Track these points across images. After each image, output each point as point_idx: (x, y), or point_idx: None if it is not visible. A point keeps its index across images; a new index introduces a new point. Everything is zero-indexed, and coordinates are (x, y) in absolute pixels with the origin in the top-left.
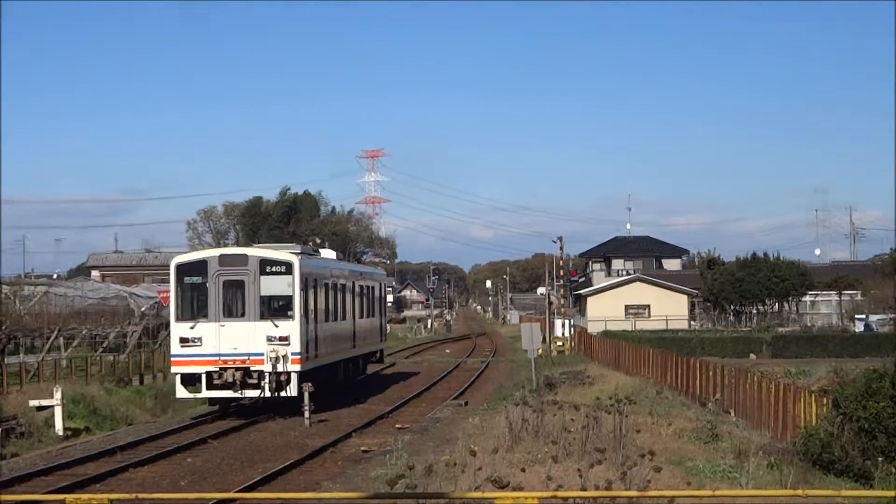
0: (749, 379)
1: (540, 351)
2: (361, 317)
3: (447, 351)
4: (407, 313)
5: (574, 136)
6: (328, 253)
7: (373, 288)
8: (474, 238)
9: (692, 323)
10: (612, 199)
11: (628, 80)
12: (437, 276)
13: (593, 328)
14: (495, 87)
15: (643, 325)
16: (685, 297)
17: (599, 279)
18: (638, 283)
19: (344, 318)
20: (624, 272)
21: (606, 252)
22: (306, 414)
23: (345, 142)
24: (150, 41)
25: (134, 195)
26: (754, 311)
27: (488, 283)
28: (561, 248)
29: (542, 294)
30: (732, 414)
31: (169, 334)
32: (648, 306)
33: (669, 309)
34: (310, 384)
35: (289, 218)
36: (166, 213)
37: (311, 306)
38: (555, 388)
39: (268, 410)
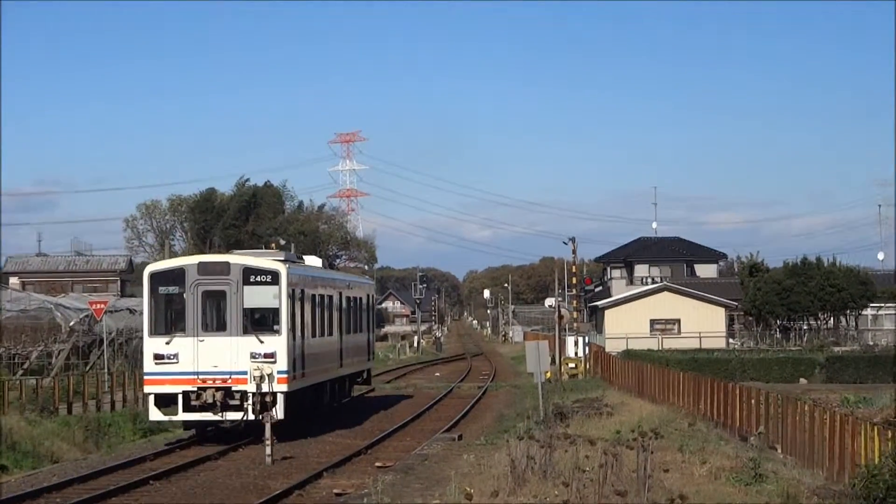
0: (799, 408)
1: (548, 374)
2: (349, 332)
3: (437, 374)
4: (389, 328)
5: (589, 120)
6: (313, 260)
7: (360, 300)
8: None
9: (731, 341)
10: (634, 193)
11: (652, 60)
12: (424, 285)
13: (612, 347)
14: (496, 61)
15: (672, 343)
16: (722, 309)
17: (619, 288)
18: (666, 294)
19: (331, 333)
20: (649, 280)
21: (628, 256)
22: (268, 450)
23: (314, 124)
24: (80, 19)
25: (55, 187)
26: (805, 327)
27: (486, 293)
28: (574, 252)
29: (550, 306)
30: (779, 450)
31: (102, 353)
32: (678, 321)
33: (703, 324)
34: (272, 413)
35: (247, 214)
36: (99, 208)
37: (299, 320)
38: (566, 419)
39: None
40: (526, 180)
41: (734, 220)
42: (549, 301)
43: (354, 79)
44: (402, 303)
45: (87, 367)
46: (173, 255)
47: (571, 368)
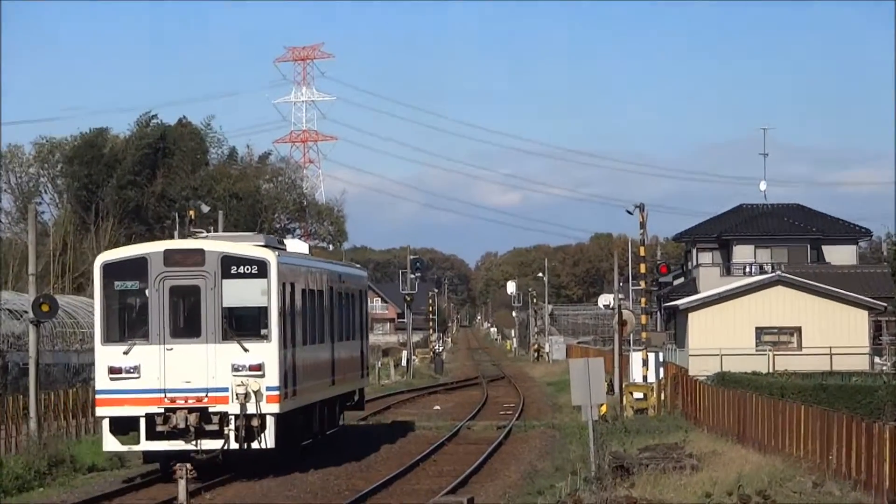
0: None
1: (604, 409)
2: (340, 339)
3: (437, 408)
4: None
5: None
6: (297, 245)
7: (352, 297)
8: (486, 205)
9: (877, 360)
10: (731, 141)
11: None
12: (418, 274)
13: (699, 368)
14: None
15: (789, 362)
16: (864, 312)
17: (710, 280)
18: (780, 289)
19: (322, 340)
20: (754, 268)
21: (723, 232)
22: None
23: (255, 34)
24: None
25: None
26: None
27: (511, 287)
28: (642, 226)
29: (606, 306)
30: None
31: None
32: (798, 329)
33: (836, 335)
34: (189, 466)
35: (153, 167)
36: None
37: (289, 323)
38: (630, 476)
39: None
40: (569, 120)
41: (879, 179)
42: (605, 299)
43: None
44: (384, 300)
45: None
46: (41, 225)
47: (638, 400)
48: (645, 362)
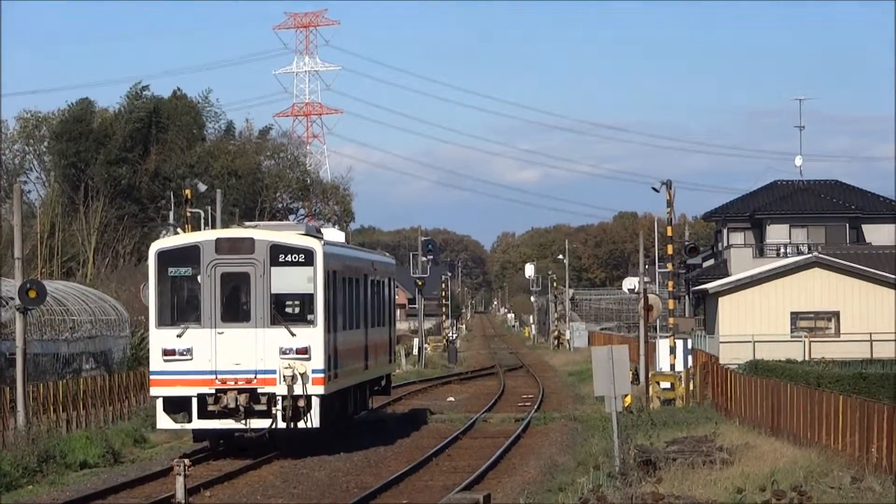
0: None
1: (628, 399)
2: (373, 325)
3: (451, 399)
4: None
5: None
6: (333, 234)
7: (382, 284)
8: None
9: None
10: (764, 111)
11: None
12: (430, 257)
13: (730, 355)
14: None
15: (826, 349)
16: None
17: (742, 262)
18: (816, 271)
19: (358, 326)
20: (789, 249)
21: (756, 210)
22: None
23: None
24: None
25: None
26: None
27: (529, 270)
28: (669, 204)
29: (631, 290)
30: None
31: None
32: (836, 314)
33: (877, 319)
34: (188, 462)
35: (146, 143)
36: None
37: (332, 309)
38: (657, 471)
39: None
40: (591, 91)
41: None
42: (629, 282)
43: None
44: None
45: None
46: (27, 206)
47: (665, 390)
48: (672, 350)
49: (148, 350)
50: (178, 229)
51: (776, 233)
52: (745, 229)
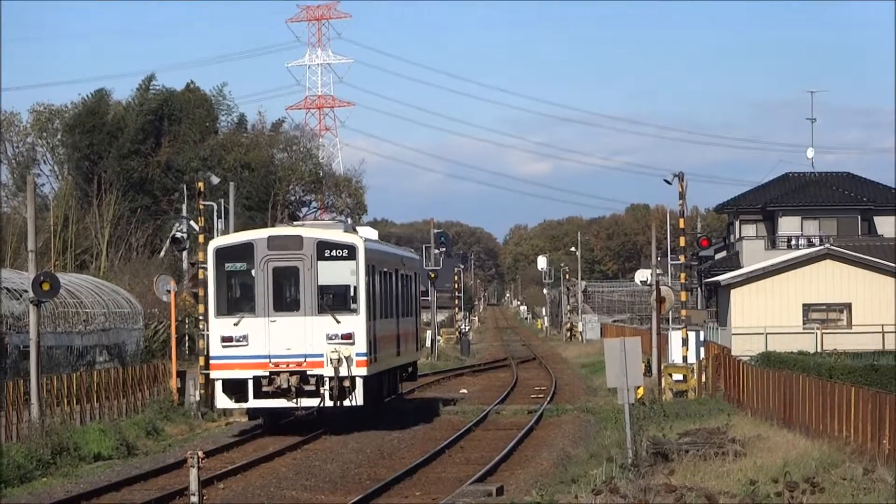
0: None
1: (641, 391)
2: (403, 315)
3: (464, 391)
4: None
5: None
6: (367, 232)
7: (410, 278)
8: (516, 175)
9: None
10: (776, 103)
11: None
12: (443, 249)
13: (742, 347)
14: None
15: (838, 341)
16: None
17: (754, 254)
18: (828, 263)
19: (391, 315)
20: (801, 241)
21: (768, 203)
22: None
23: None
24: None
25: None
26: None
27: (542, 262)
28: (681, 196)
29: (643, 283)
30: None
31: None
32: (848, 306)
33: (889, 310)
34: (201, 454)
35: (158, 135)
36: None
37: (371, 299)
38: (669, 462)
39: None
40: (605, 84)
41: None
42: (642, 274)
43: None
44: None
45: None
46: (41, 199)
47: (678, 382)
48: (685, 342)
49: (161, 342)
50: (191, 222)
51: (788, 225)
52: (757, 221)
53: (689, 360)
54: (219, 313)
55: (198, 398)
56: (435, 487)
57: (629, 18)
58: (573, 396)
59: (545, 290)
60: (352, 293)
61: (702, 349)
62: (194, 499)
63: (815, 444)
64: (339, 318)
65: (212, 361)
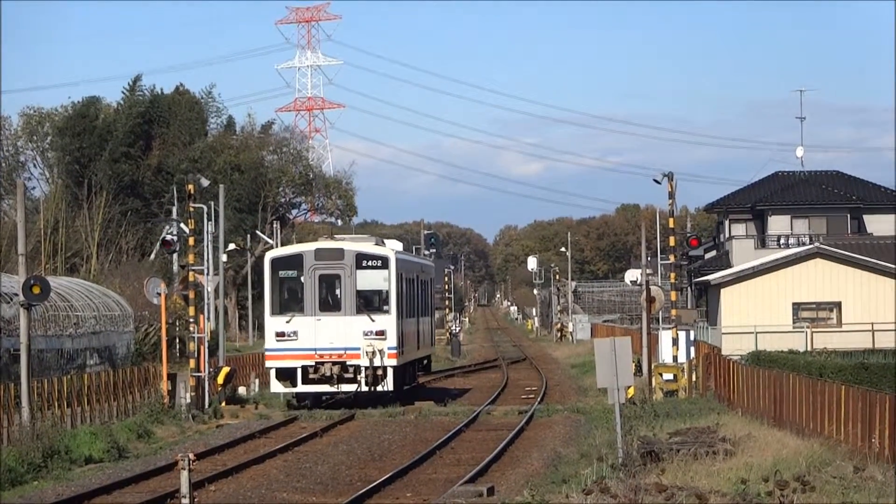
0: None
1: (631, 391)
2: (422, 315)
3: (454, 391)
4: None
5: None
6: (393, 244)
7: (427, 283)
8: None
9: None
10: (766, 102)
11: None
12: (433, 250)
13: (733, 347)
14: None
15: (828, 339)
16: None
17: (744, 253)
18: (818, 262)
19: (414, 315)
20: (791, 240)
21: (758, 202)
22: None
23: None
24: None
25: None
26: None
27: (532, 263)
28: (671, 195)
29: (633, 282)
30: None
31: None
32: (838, 304)
33: (879, 309)
34: (192, 456)
35: (148, 138)
36: None
37: (400, 302)
38: (660, 462)
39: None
40: (596, 84)
41: None
42: (632, 274)
43: None
44: None
45: None
46: (30, 202)
47: (668, 381)
48: (675, 341)
49: (152, 345)
50: (182, 225)
51: (778, 224)
52: (746, 220)
53: (680, 360)
54: (273, 313)
55: (188, 400)
56: (426, 488)
57: (620, 19)
58: (564, 397)
59: (535, 291)
60: (384, 296)
61: (692, 349)
62: (185, 501)
63: (806, 442)
64: (373, 317)
65: (267, 353)
